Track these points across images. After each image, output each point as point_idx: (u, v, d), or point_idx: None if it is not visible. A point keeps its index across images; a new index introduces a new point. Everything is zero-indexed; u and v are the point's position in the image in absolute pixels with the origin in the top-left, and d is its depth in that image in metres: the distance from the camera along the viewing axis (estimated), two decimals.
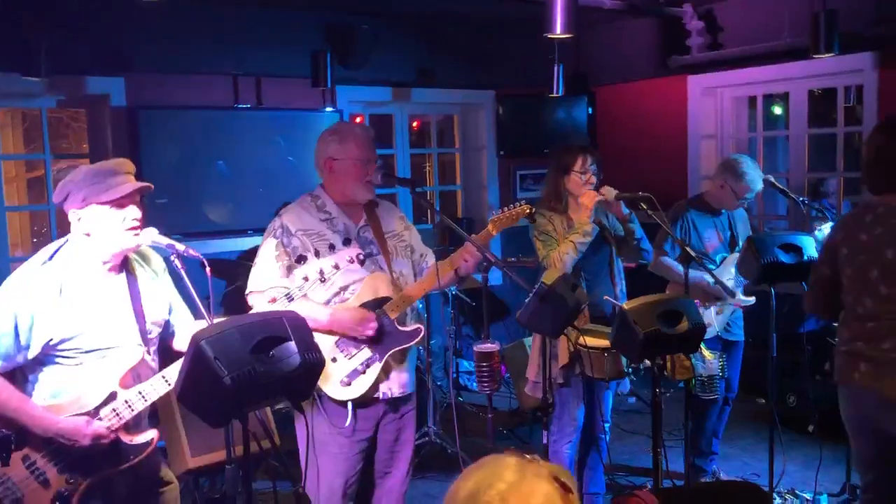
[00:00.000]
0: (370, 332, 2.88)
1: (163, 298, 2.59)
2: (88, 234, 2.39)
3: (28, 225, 7.77)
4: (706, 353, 3.58)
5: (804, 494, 3.91)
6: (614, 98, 6.84)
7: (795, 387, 5.06)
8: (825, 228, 4.02)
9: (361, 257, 2.61)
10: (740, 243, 4.12)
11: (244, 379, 1.94)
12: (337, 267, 2.52)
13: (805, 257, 3.53)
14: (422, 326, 3.03)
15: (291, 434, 3.07)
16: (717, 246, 4.15)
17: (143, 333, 2.47)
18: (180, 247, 2.42)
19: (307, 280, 2.50)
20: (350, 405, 2.92)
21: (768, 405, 3.67)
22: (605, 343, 3.22)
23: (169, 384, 2.37)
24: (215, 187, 5.38)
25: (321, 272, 2.50)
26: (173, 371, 2.36)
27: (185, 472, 3.91)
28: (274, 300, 2.52)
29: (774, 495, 3.81)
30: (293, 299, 2.51)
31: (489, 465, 1.27)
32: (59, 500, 2.32)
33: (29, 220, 7.74)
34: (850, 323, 2.87)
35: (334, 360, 2.90)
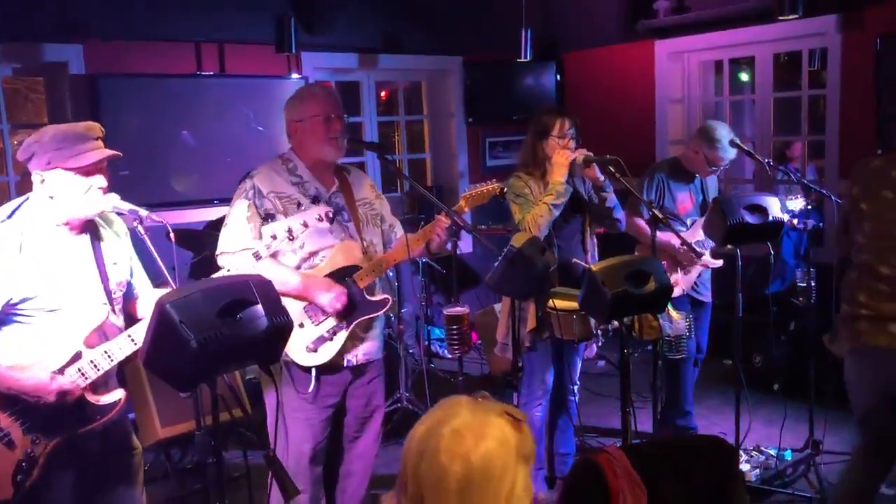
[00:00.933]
0: (339, 307, 2.88)
1: (125, 260, 2.55)
2: (52, 197, 2.34)
3: None
4: (673, 313, 3.62)
5: (769, 450, 4.00)
6: (582, 64, 6.83)
7: (761, 347, 5.15)
8: (796, 200, 4.04)
9: (330, 215, 2.58)
10: None
11: (211, 343, 1.92)
12: (305, 225, 2.49)
13: (770, 218, 3.56)
14: (389, 297, 3.04)
15: (263, 404, 3.07)
16: (689, 209, 4.18)
17: (108, 293, 2.43)
18: (143, 212, 2.38)
19: (275, 238, 2.46)
20: (314, 371, 2.92)
21: (734, 366, 3.73)
22: (573, 305, 3.24)
23: (135, 343, 2.33)
24: (180, 157, 5.28)
25: (289, 230, 2.46)
26: (139, 330, 2.33)
27: (156, 443, 3.90)
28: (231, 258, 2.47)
29: (740, 452, 3.89)
30: (260, 257, 2.48)
31: (443, 405, 1.35)
32: (25, 462, 2.28)
33: None
34: (870, 284, 2.75)
35: (301, 325, 2.89)
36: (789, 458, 3.94)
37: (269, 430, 3.00)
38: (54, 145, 2.29)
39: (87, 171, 2.32)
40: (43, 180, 2.32)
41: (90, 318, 2.35)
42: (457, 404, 1.34)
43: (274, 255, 2.92)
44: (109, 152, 2.35)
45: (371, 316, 2.99)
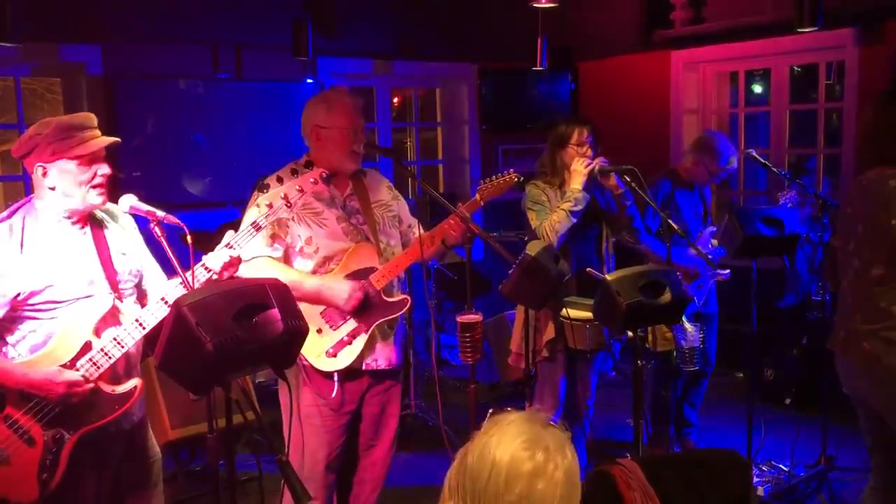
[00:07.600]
0: (356, 302, 2.85)
1: (132, 250, 2.55)
2: (53, 189, 2.34)
3: (2, 197, 7.65)
4: (687, 325, 3.60)
5: (781, 465, 3.96)
6: (597, 73, 6.81)
7: (772, 361, 5.11)
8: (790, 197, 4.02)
9: (325, 175, 2.55)
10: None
11: (226, 346, 1.92)
12: (301, 190, 2.47)
13: (786, 231, 3.55)
14: (408, 297, 3.01)
15: (273, 407, 3.05)
16: (693, 219, 4.18)
17: (113, 283, 2.43)
18: (160, 213, 2.38)
19: (271, 207, 2.44)
20: (336, 377, 2.90)
21: (746, 379, 3.71)
22: (587, 315, 3.23)
23: (144, 328, 2.33)
24: (194, 159, 5.30)
25: (285, 196, 2.44)
26: (147, 315, 2.33)
27: (165, 444, 3.90)
28: (231, 246, 2.45)
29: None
30: (261, 228, 2.47)
31: (500, 427, 1.45)
32: (47, 458, 2.28)
33: (2, 191, 7.61)
34: None
35: (319, 331, 2.88)
36: (801, 474, 3.90)
37: (285, 435, 2.98)
38: (58, 136, 2.30)
39: (89, 160, 2.34)
40: (45, 172, 2.33)
41: (97, 307, 2.35)
42: (514, 422, 1.42)
43: (287, 262, 2.93)
44: (110, 139, 2.37)
45: (390, 317, 2.97)
